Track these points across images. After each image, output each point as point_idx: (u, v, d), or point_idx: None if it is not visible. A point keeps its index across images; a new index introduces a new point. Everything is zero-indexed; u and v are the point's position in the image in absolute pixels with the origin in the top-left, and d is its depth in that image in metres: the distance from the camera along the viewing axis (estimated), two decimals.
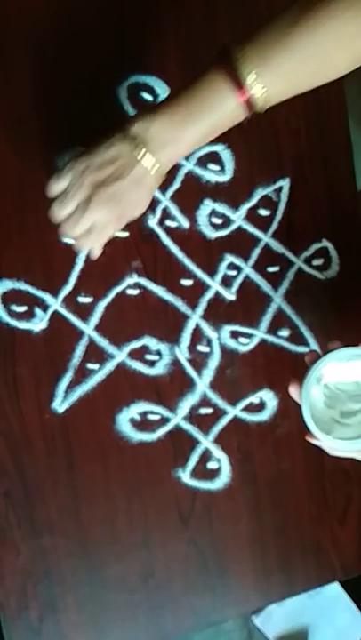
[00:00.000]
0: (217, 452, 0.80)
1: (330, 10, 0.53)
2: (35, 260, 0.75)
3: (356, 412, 0.63)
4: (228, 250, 0.80)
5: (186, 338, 0.79)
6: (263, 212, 0.81)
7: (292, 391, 0.64)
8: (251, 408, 0.81)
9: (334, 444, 0.61)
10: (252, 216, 0.81)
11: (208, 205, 0.79)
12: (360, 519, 0.84)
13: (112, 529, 0.78)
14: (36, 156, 0.75)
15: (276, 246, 0.82)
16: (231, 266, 0.80)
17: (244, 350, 0.81)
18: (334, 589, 1.30)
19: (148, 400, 0.78)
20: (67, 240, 0.75)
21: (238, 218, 0.80)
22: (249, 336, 0.81)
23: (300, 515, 0.83)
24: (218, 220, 0.80)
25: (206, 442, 0.80)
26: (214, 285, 0.80)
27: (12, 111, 0.74)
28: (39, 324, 0.75)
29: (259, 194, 0.81)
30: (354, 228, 0.84)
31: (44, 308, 0.75)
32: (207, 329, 0.80)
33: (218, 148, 0.79)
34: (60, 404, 0.76)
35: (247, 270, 0.81)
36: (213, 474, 0.80)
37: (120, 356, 0.77)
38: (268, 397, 0.81)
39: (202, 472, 0.80)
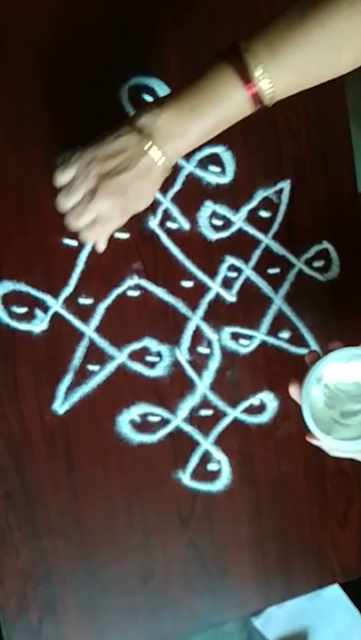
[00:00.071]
0: (217, 454, 0.80)
1: (338, 5, 0.53)
2: (35, 261, 0.75)
3: (357, 413, 0.63)
4: (229, 251, 0.80)
5: (186, 339, 0.79)
6: (264, 214, 0.81)
7: (293, 391, 0.64)
8: (251, 410, 0.81)
9: (334, 445, 0.61)
10: (252, 218, 0.81)
11: (209, 207, 0.79)
12: (360, 522, 0.84)
13: (112, 530, 0.78)
14: (37, 157, 0.75)
15: (277, 248, 0.82)
16: (232, 267, 0.80)
17: (245, 352, 0.81)
18: (334, 591, 1.29)
19: (148, 401, 0.78)
20: (67, 241, 0.76)
21: (239, 219, 0.80)
22: (249, 338, 0.81)
23: (301, 517, 0.83)
24: (218, 222, 0.80)
25: (206, 443, 0.80)
26: (215, 287, 0.80)
27: (12, 111, 0.74)
28: (39, 325, 0.75)
29: (259, 195, 0.81)
30: (354, 230, 0.84)
31: (45, 309, 0.75)
32: (208, 330, 0.80)
33: (219, 149, 0.79)
34: (60, 406, 0.76)
35: (248, 272, 0.81)
36: (214, 475, 0.80)
37: (120, 357, 0.77)
38: (269, 399, 0.81)
39: (202, 474, 0.80)
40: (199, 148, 0.77)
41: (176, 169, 0.78)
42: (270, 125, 0.81)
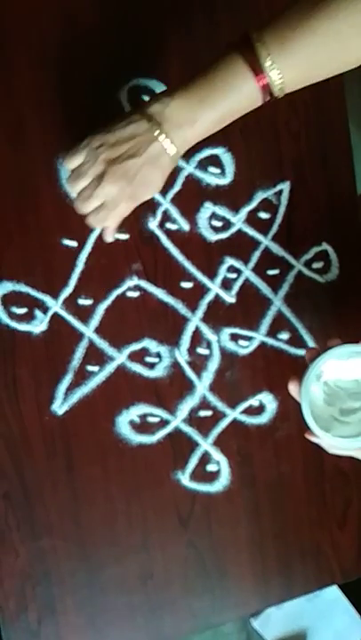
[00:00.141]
0: (216, 455, 0.80)
1: None
2: (35, 261, 0.75)
3: (356, 410, 0.63)
4: (229, 253, 0.80)
5: (186, 340, 0.79)
6: (263, 215, 0.81)
7: (292, 389, 0.64)
8: (250, 411, 0.81)
9: (333, 442, 0.61)
10: (252, 219, 0.81)
11: (208, 208, 0.79)
12: (359, 522, 0.84)
13: (111, 531, 0.78)
14: (37, 157, 0.75)
15: (276, 249, 0.82)
16: (231, 269, 0.80)
17: (244, 353, 0.81)
18: (333, 592, 1.29)
19: (147, 402, 0.78)
20: (67, 242, 0.76)
21: (238, 221, 0.80)
22: (249, 339, 0.81)
23: (300, 518, 0.83)
24: (218, 223, 0.80)
25: (206, 444, 0.80)
26: (214, 288, 0.80)
27: (12, 111, 0.75)
28: (39, 325, 0.75)
29: (259, 197, 0.81)
30: (354, 232, 0.84)
31: (45, 309, 0.75)
32: (207, 331, 0.80)
33: (218, 151, 0.79)
34: (59, 406, 0.76)
35: (247, 273, 0.81)
36: (213, 476, 0.80)
37: (120, 358, 0.77)
38: (268, 400, 0.81)
39: (201, 475, 0.80)
40: (199, 149, 0.77)
41: (176, 170, 0.78)
42: (270, 127, 0.81)
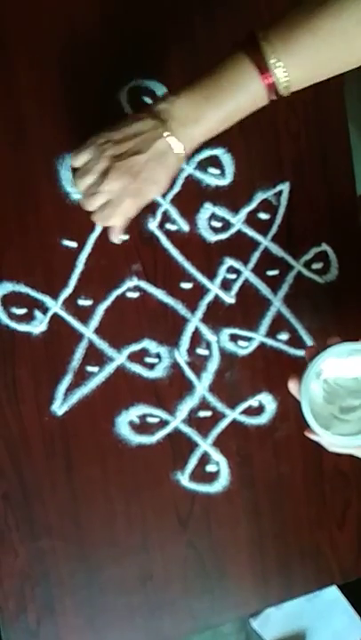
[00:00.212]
0: (216, 455, 0.80)
1: None
2: (35, 262, 0.75)
3: (356, 408, 0.63)
4: (228, 253, 0.80)
5: (185, 341, 0.79)
6: (263, 216, 0.81)
7: (292, 386, 0.64)
8: (250, 411, 0.81)
9: (333, 440, 0.61)
10: (251, 220, 0.81)
11: (208, 209, 0.79)
12: (358, 523, 0.84)
13: (110, 531, 0.78)
14: (37, 158, 0.75)
15: (276, 250, 0.82)
16: (231, 269, 0.80)
17: (244, 353, 0.81)
18: (332, 593, 1.29)
19: (147, 403, 0.78)
20: (67, 242, 0.76)
21: (238, 221, 0.80)
22: (248, 339, 0.81)
23: (299, 518, 0.83)
24: (218, 224, 0.80)
25: (205, 445, 0.80)
26: (214, 289, 0.80)
27: (12, 111, 0.75)
28: (39, 326, 0.75)
29: (259, 198, 0.81)
30: (353, 232, 0.84)
31: (44, 310, 0.75)
32: (207, 332, 0.80)
33: (218, 151, 0.79)
34: (59, 407, 0.76)
35: (247, 274, 0.81)
36: (212, 477, 0.80)
37: (120, 358, 0.77)
38: (267, 401, 0.81)
39: (201, 475, 0.80)
40: (198, 150, 0.77)
41: None
42: (270, 127, 0.81)
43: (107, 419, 0.77)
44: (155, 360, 0.78)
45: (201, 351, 0.80)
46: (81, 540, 0.77)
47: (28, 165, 0.75)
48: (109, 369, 0.77)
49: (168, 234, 0.79)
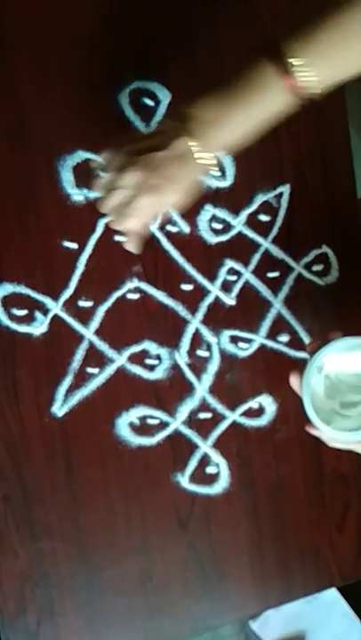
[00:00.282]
0: (216, 457, 0.80)
1: None
2: (35, 263, 0.75)
3: (357, 404, 0.63)
4: (229, 255, 0.80)
5: (186, 342, 0.79)
6: (263, 218, 0.81)
7: (293, 381, 0.64)
8: (250, 413, 0.81)
9: (334, 435, 0.61)
10: (252, 221, 0.81)
11: (209, 211, 0.79)
12: (358, 525, 0.84)
13: (110, 533, 0.78)
14: (37, 159, 0.75)
15: (276, 252, 0.82)
16: (231, 271, 0.80)
17: (244, 355, 0.81)
18: (332, 595, 1.29)
19: (147, 404, 0.78)
20: (67, 244, 0.76)
21: (239, 223, 0.81)
22: (248, 341, 0.81)
23: (299, 520, 0.83)
24: (218, 226, 0.80)
25: (205, 446, 0.80)
26: (214, 290, 0.80)
27: (12, 112, 0.75)
28: (39, 327, 0.75)
29: (259, 199, 0.81)
30: (354, 235, 0.84)
31: (45, 311, 0.75)
32: (207, 334, 0.80)
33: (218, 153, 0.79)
34: (59, 408, 0.76)
35: (247, 275, 0.81)
36: (212, 478, 0.80)
37: (120, 360, 0.77)
38: (268, 402, 0.81)
39: (201, 477, 0.80)
40: None
41: None
42: (271, 128, 0.81)
43: (107, 420, 0.77)
44: (155, 361, 0.78)
45: (201, 353, 0.80)
46: (81, 541, 0.77)
47: (28, 166, 0.75)
48: (110, 370, 0.77)
49: (169, 235, 0.79)
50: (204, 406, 0.80)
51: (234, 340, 0.80)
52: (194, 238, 0.79)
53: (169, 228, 0.78)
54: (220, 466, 0.80)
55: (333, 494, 0.83)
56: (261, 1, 0.80)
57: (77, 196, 0.76)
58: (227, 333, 0.80)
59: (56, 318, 0.76)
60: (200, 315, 0.79)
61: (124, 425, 0.77)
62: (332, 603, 1.30)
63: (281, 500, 0.82)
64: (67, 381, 0.76)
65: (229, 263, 0.80)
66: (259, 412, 0.81)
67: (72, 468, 0.76)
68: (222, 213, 0.80)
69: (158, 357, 0.78)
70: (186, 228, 0.79)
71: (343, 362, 0.63)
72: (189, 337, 0.79)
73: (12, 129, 0.75)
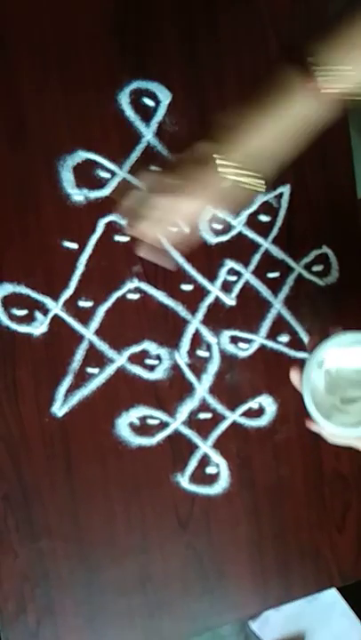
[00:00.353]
0: (216, 457, 0.80)
1: None
2: (35, 263, 0.75)
3: (357, 399, 0.63)
4: (229, 255, 0.80)
5: (186, 343, 0.79)
6: (264, 218, 0.81)
7: (294, 377, 0.63)
8: (250, 413, 0.81)
9: (334, 430, 0.61)
10: (252, 222, 0.81)
11: (209, 211, 0.79)
12: (358, 525, 0.84)
13: (110, 532, 0.78)
14: (37, 159, 0.75)
15: (277, 252, 0.82)
16: (231, 271, 0.80)
17: (244, 355, 0.81)
18: (332, 595, 1.29)
19: (147, 404, 0.78)
20: (67, 244, 0.76)
21: (239, 223, 0.81)
22: (248, 341, 0.81)
23: (299, 521, 0.83)
24: (218, 226, 0.80)
25: (205, 447, 0.80)
26: (214, 290, 0.80)
27: (12, 111, 0.75)
28: (39, 327, 0.75)
29: (259, 200, 0.81)
30: (354, 235, 0.84)
31: (45, 311, 0.75)
32: (207, 334, 0.80)
33: None
34: (59, 408, 0.76)
35: (247, 276, 0.81)
36: (212, 479, 0.80)
37: (120, 360, 0.77)
38: (268, 403, 0.81)
39: (200, 477, 0.80)
40: None
41: None
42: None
43: (107, 420, 0.77)
44: (155, 362, 0.78)
45: (201, 353, 0.80)
46: (81, 541, 0.77)
47: (28, 166, 0.75)
48: (110, 370, 0.77)
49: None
50: (204, 406, 0.80)
51: (234, 340, 0.80)
52: (194, 238, 0.79)
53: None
54: (219, 466, 0.80)
55: (333, 494, 0.83)
56: (262, 1, 0.80)
57: (77, 195, 0.76)
58: (227, 334, 0.80)
59: (56, 318, 0.76)
60: (200, 315, 0.79)
61: (124, 425, 0.78)
62: (332, 603, 1.30)
63: (281, 501, 0.82)
64: (67, 381, 0.76)
65: (229, 263, 0.80)
66: (259, 412, 0.81)
67: (72, 467, 0.76)
68: (222, 214, 0.80)
69: (158, 357, 0.78)
70: (186, 228, 0.79)
71: (344, 357, 0.63)
72: (189, 337, 0.79)
73: (12, 129, 0.75)
